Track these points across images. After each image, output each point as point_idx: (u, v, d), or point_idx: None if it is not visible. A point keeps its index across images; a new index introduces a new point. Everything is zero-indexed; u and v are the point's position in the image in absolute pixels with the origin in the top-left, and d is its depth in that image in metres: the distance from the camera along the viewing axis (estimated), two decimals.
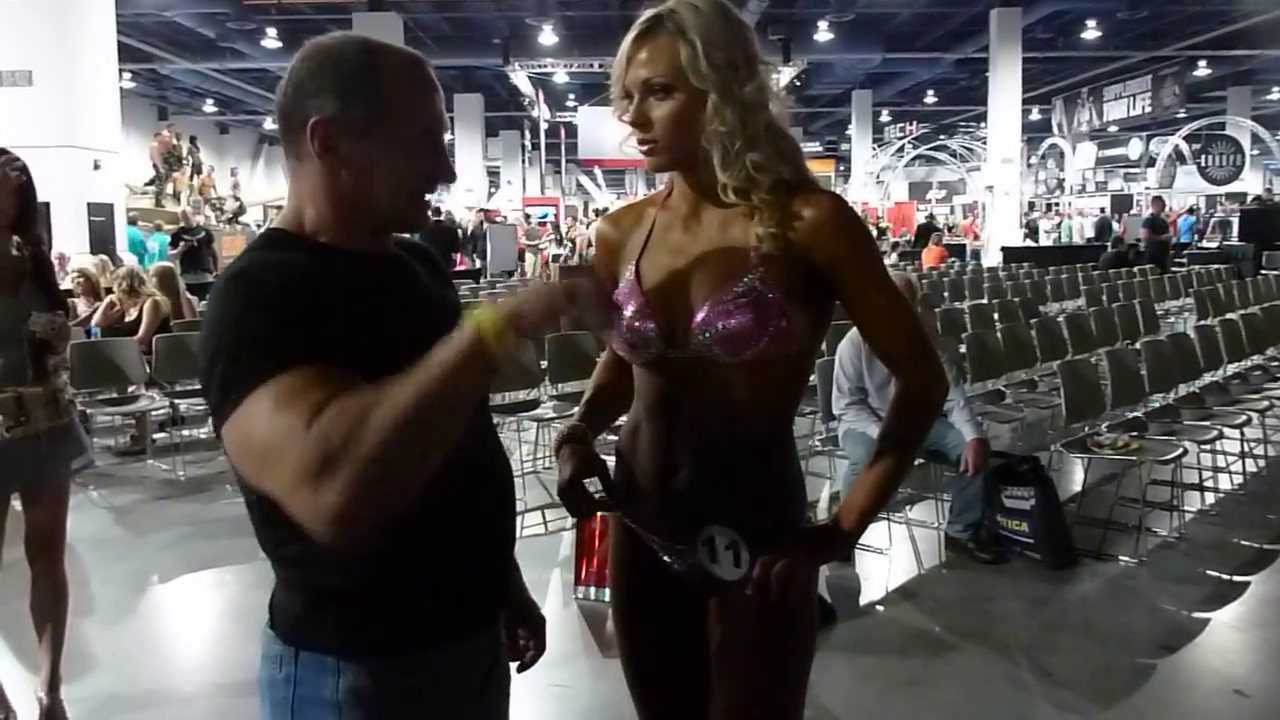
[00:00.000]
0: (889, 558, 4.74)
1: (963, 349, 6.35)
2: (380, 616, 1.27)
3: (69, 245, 11.27)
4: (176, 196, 18.23)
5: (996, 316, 8.58)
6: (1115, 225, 23.68)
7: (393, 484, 1.04)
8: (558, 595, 4.34)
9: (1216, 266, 16.10)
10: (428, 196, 1.36)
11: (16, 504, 3.05)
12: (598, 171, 37.92)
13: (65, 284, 8.24)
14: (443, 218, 18.21)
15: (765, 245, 1.50)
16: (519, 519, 5.26)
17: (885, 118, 36.71)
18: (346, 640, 1.26)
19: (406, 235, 1.49)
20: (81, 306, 7.51)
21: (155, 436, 7.16)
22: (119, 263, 9.69)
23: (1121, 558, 4.64)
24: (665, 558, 1.68)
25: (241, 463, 1.12)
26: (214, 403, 1.14)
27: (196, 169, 19.73)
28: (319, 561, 1.24)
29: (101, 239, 12.18)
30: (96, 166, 12.26)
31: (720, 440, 1.57)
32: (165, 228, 15.08)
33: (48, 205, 10.81)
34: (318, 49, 1.29)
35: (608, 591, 4.06)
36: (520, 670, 1.59)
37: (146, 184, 18.25)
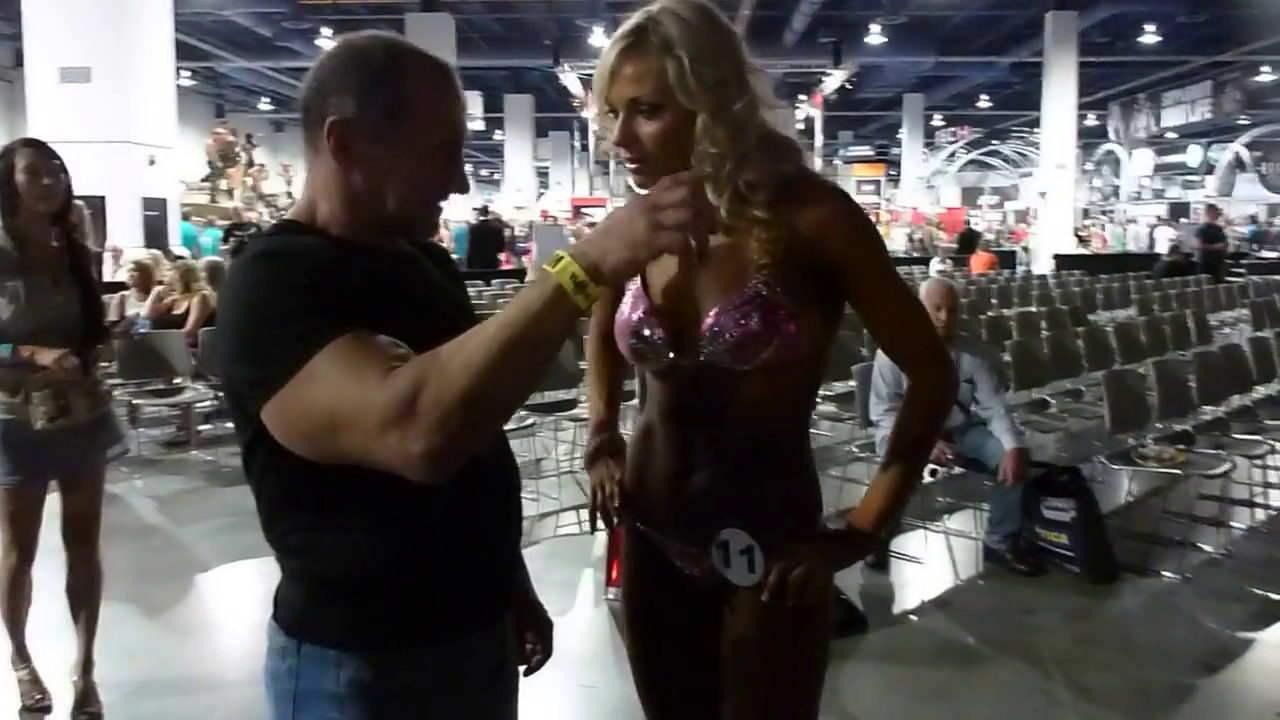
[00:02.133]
0: (925, 566, 4.68)
1: (1006, 357, 6.25)
2: (382, 610, 1.27)
3: (123, 239, 11.49)
4: (230, 193, 18.53)
5: (1043, 324, 8.45)
6: (1170, 233, 23.24)
7: (476, 425, 1.06)
8: (589, 595, 4.34)
9: (1276, 277, 15.73)
10: (439, 205, 1.35)
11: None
12: None
13: (120, 276, 8.43)
14: (489, 217, 18.30)
15: (764, 260, 1.48)
16: (554, 518, 5.32)
17: (937, 121, 36.36)
18: (348, 633, 1.26)
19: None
20: (132, 299, 7.64)
21: (200, 428, 7.28)
22: (171, 257, 9.88)
23: (1165, 573, 4.53)
24: (678, 562, 1.66)
25: (303, 439, 1.11)
26: (256, 376, 1.12)
27: (251, 165, 20.04)
28: (321, 553, 1.25)
29: (155, 233, 12.43)
30: (151, 162, 12.51)
31: (734, 444, 1.55)
32: (218, 223, 15.33)
33: (103, 199, 11.05)
34: (346, 47, 1.29)
35: None
36: (526, 674, 1.57)
37: (202, 180, 18.57)
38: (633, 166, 1.52)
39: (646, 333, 1.57)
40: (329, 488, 1.14)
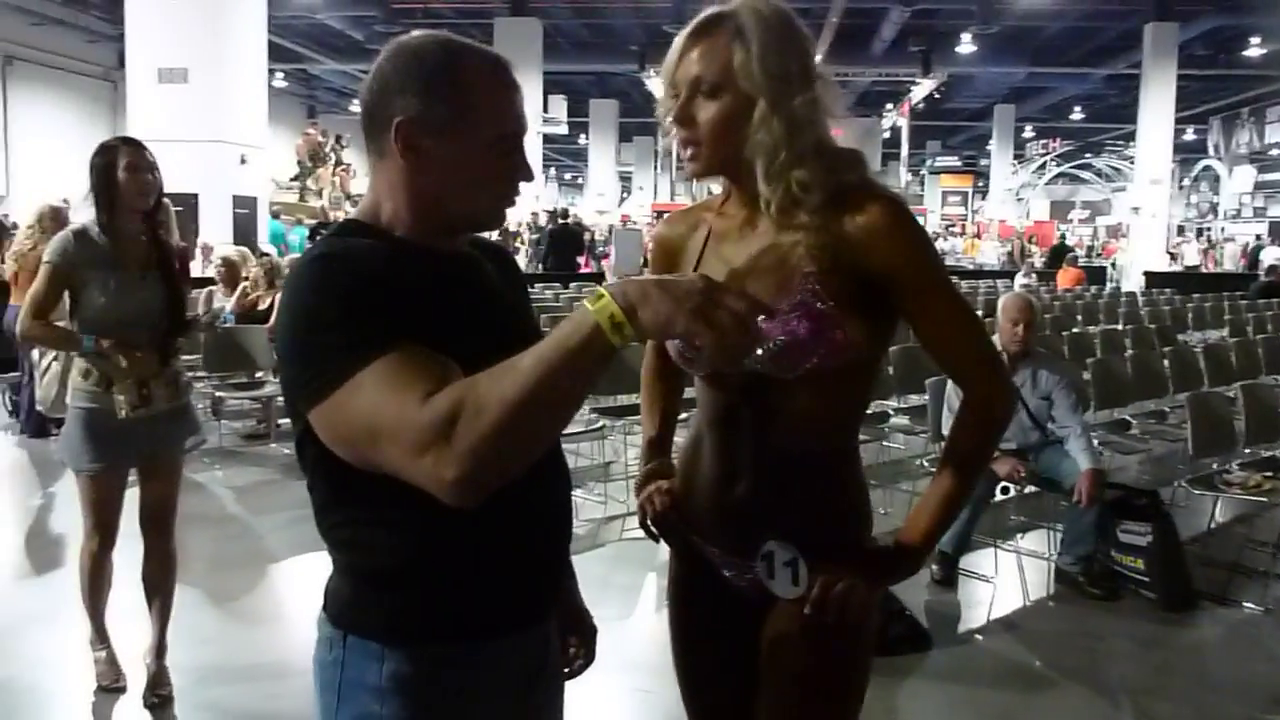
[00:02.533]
0: (994, 586, 4.58)
1: (1087, 375, 6.10)
2: (425, 605, 1.28)
3: (214, 236, 11.83)
4: (319, 192, 18.94)
5: (1129, 343, 8.23)
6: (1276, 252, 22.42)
7: (508, 457, 1.09)
8: (651, 600, 4.34)
9: None
10: (512, 199, 1.37)
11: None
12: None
13: (209, 272, 8.67)
14: (570, 221, 18.44)
15: (809, 266, 1.46)
16: (621, 522, 5.33)
17: (1028, 133, 35.66)
18: (391, 627, 1.28)
19: (483, 235, 1.51)
20: (220, 294, 7.86)
21: (280, 421, 7.44)
22: (258, 254, 10.13)
23: (1246, 604, 4.38)
24: (725, 572, 1.65)
25: (345, 445, 1.15)
26: (304, 379, 1.16)
27: (339, 165, 20.47)
28: (368, 547, 1.28)
29: (244, 230, 12.77)
30: (243, 161, 12.85)
31: (780, 453, 1.53)
32: (306, 222, 15.68)
33: (195, 197, 11.40)
34: (402, 48, 1.31)
35: None
36: (567, 678, 1.58)
37: (291, 179, 19.02)
38: (686, 150, 1.52)
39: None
40: (374, 483, 1.16)
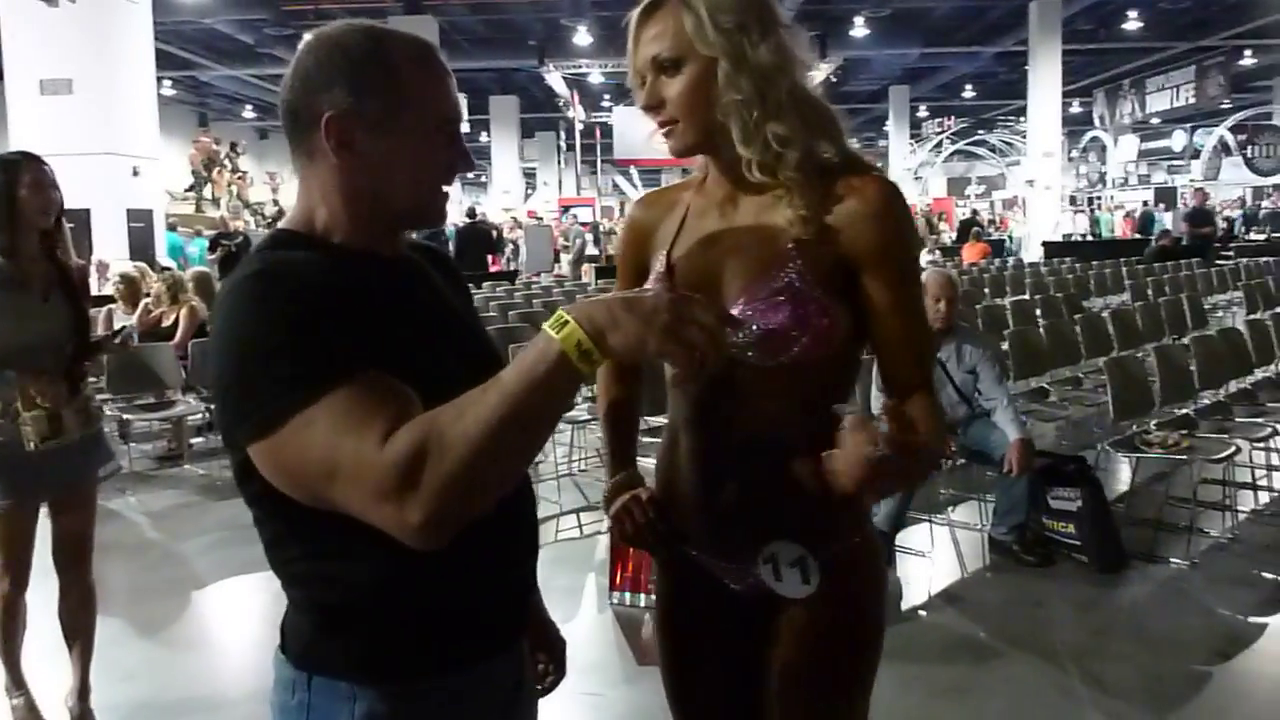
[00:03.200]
0: (931, 560, 4.64)
1: (1005, 346, 6.21)
2: (395, 639, 1.20)
3: (109, 251, 11.38)
4: (216, 202, 18.43)
5: (1039, 312, 8.42)
6: (1160, 218, 23.25)
7: (476, 497, 1.04)
8: (592, 601, 4.27)
9: (1266, 259, 15.74)
10: (446, 189, 1.29)
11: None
12: (634, 171, 37.89)
13: (107, 290, 8.34)
14: (477, 219, 18.22)
15: (795, 229, 1.39)
16: (555, 522, 5.26)
17: (923, 113, 36.32)
18: (360, 665, 1.19)
19: (418, 237, 1.43)
20: (120, 312, 7.56)
21: (193, 441, 7.20)
22: (158, 268, 9.78)
23: (1173, 560, 4.50)
24: (723, 578, 1.56)
25: (292, 482, 1.07)
26: (245, 412, 1.06)
27: (235, 173, 19.94)
28: (330, 580, 1.19)
29: (141, 245, 12.30)
30: (135, 173, 12.40)
31: (764, 448, 1.45)
32: (205, 233, 15.22)
33: (88, 211, 10.95)
34: (323, 40, 1.22)
35: (643, 597, 4.07)
36: (541, 695, 1.50)
37: (186, 190, 18.47)
38: (663, 131, 1.46)
39: None
40: (333, 514, 1.07)
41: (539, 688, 1.51)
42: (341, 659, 1.20)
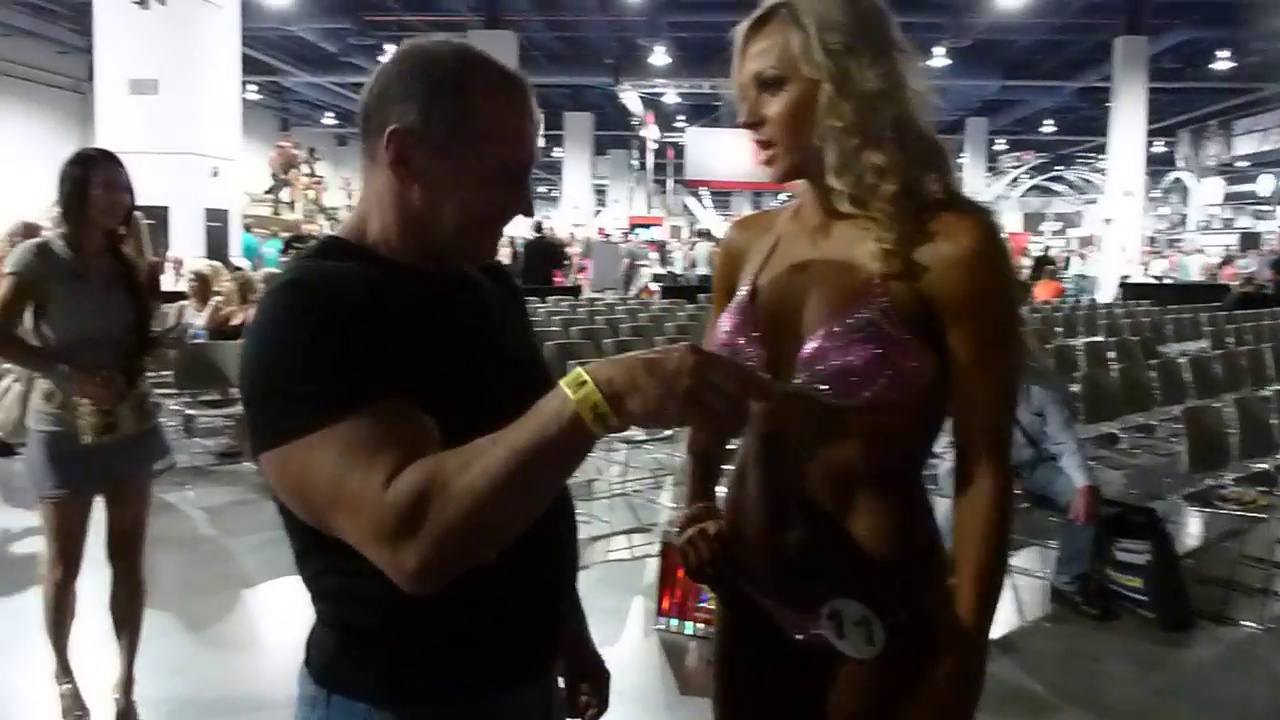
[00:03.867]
0: None
1: (1075, 388, 6.04)
2: (418, 662, 1.16)
3: (186, 249, 11.64)
4: (292, 205, 18.75)
5: (1112, 355, 8.19)
6: (1246, 264, 22.60)
7: (473, 549, 1.02)
8: (638, 625, 4.21)
9: None
10: (498, 231, 1.25)
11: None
12: (704, 192, 37.96)
13: (181, 286, 8.50)
14: (544, 234, 18.33)
15: (879, 264, 1.31)
16: (605, 542, 5.21)
17: (1000, 146, 35.88)
18: (381, 686, 1.16)
19: None
20: (191, 309, 7.69)
21: None
22: (231, 267, 9.95)
23: (1244, 622, 4.31)
24: (783, 624, 1.48)
25: (296, 500, 1.06)
26: (259, 425, 1.06)
27: (312, 178, 20.28)
28: (354, 598, 1.15)
29: (217, 244, 12.59)
30: (215, 173, 12.70)
31: (836, 494, 1.37)
32: (280, 235, 15.51)
33: (166, 210, 11.22)
34: (414, 51, 1.19)
35: (690, 624, 3.99)
36: None
37: (265, 192, 18.82)
38: (763, 156, 1.39)
39: (743, 349, 1.42)
40: None
41: (583, 718, 1.46)
42: (361, 679, 1.16)
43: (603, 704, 1.49)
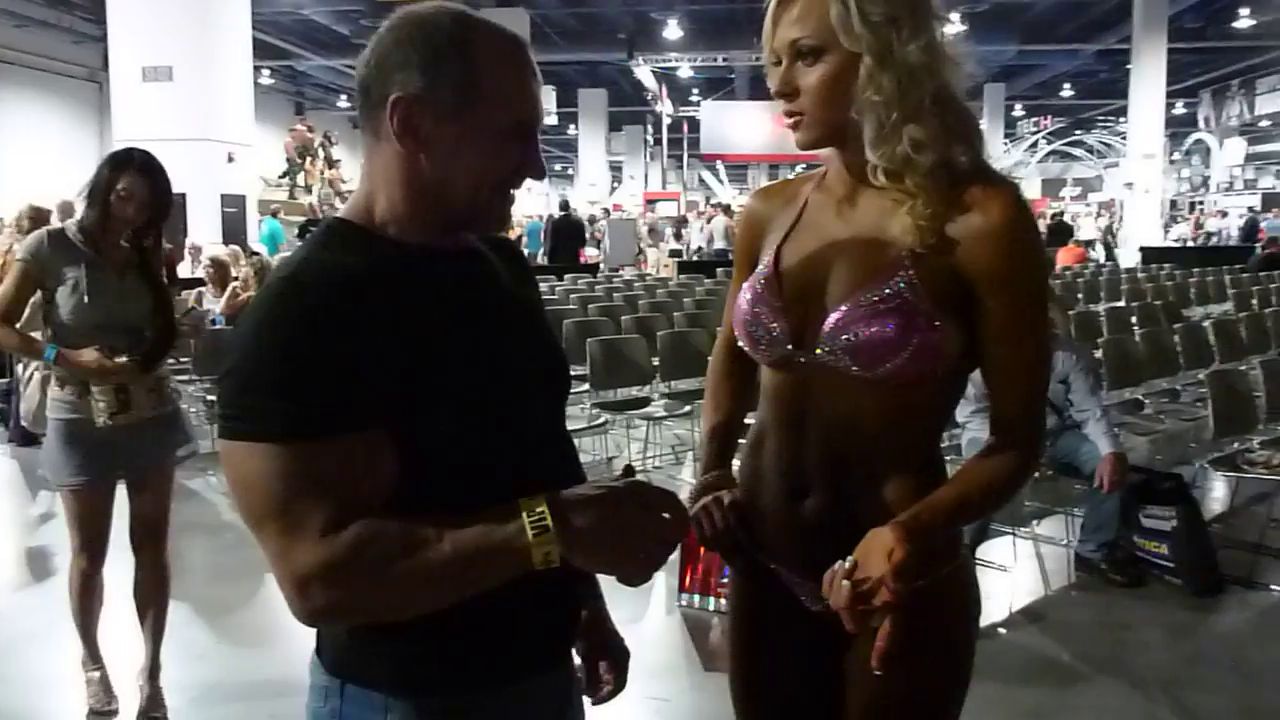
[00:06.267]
0: (1013, 576, 4.47)
1: (1099, 355, 5.97)
2: (434, 651, 1.14)
3: (203, 235, 11.68)
4: (308, 189, 18.75)
5: (1135, 320, 8.11)
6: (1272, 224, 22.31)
7: (377, 617, 1.10)
8: (661, 602, 4.20)
9: None
10: (512, 194, 1.22)
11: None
12: (720, 166, 37.77)
13: (199, 273, 8.52)
14: (570, 212, 18.31)
15: (911, 238, 1.29)
16: None
17: (1019, 112, 35.52)
18: (396, 676, 1.14)
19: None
20: (209, 295, 7.71)
21: None
22: (250, 252, 9.98)
23: (1273, 586, 4.26)
24: (798, 594, 1.47)
25: (236, 492, 1.08)
26: (222, 411, 1.07)
27: (329, 162, 20.25)
28: None
29: (233, 230, 12.63)
30: (230, 159, 12.72)
31: (852, 465, 1.37)
32: (292, 219, 15.55)
33: (183, 196, 11.24)
34: (408, 17, 1.16)
35: (713, 600, 3.98)
36: (595, 704, 1.43)
37: (280, 177, 18.83)
38: (790, 121, 1.36)
39: (765, 319, 1.40)
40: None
41: (598, 696, 1.45)
42: (376, 668, 1.15)
43: (620, 684, 1.47)
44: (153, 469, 3.07)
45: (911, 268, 1.29)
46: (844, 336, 1.31)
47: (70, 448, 2.92)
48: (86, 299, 2.86)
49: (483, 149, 1.15)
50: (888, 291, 1.29)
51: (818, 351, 1.34)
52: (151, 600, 3.16)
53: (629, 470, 1.21)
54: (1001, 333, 1.31)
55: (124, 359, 2.86)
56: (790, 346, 1.38)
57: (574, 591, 1.29)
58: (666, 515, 1.11)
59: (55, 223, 4.02)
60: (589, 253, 19.49)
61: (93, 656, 3.20)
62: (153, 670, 3.16)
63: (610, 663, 1.45)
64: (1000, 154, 32.36)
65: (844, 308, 1.32)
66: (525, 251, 14.93)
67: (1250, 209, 28.33)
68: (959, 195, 1.29)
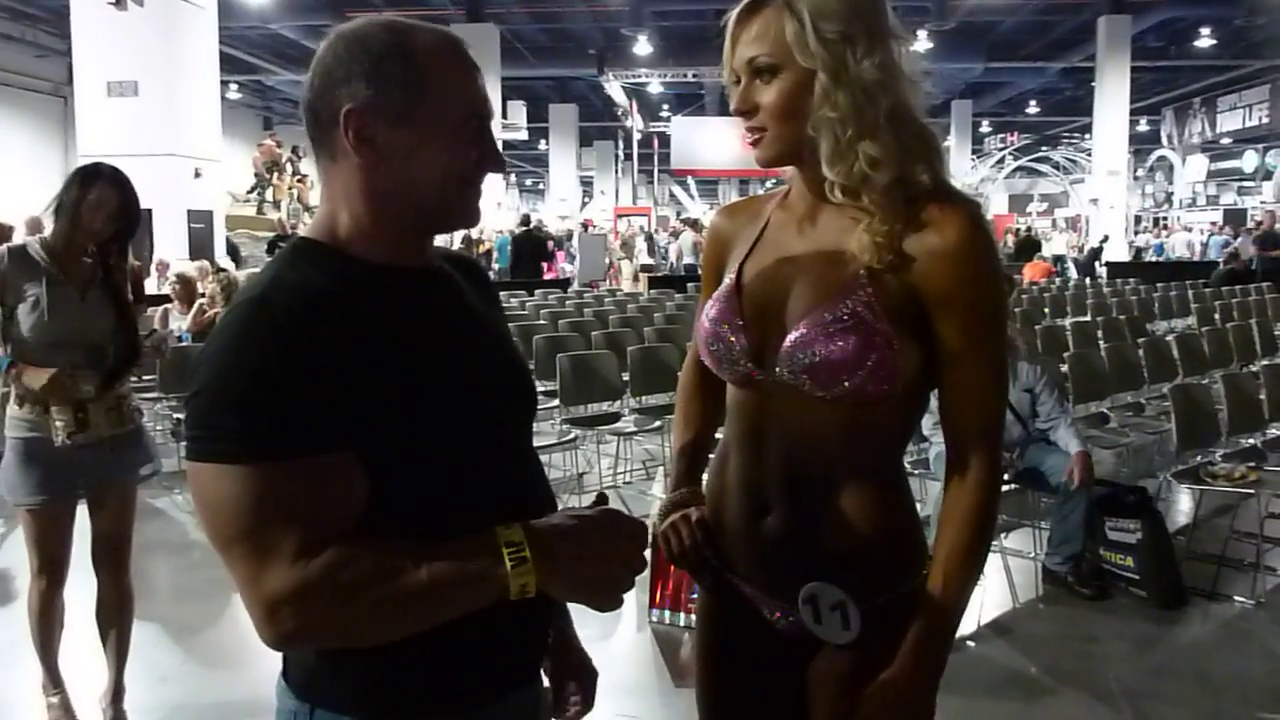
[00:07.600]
0: (981, 589, 4.48)
1: (1064, 369, 6.04)
2: (403, 671, 1.13)
3: (169, 251, 11.57)
4: (277, 205, 18.63)
5: (1100, 334, 8.20)
6: (1229, 240, 22.66)
7: (349, 642, 1.09)
8: (631, 619, 4.19)
9: None
10: (478, 188, 1.23)
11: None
12: (690, 181, 37.89)
13: (166, 289, 8.43)
14: (532, 227, 18.29)
15: (869, 255, 1.29)
16: None
17: (985, 128, 35.89)
18: (365, 699, 1.14)
19: (450, 247, 1.37)
20: (175, 311, 7.64)
21: None
22: (217, 268, 9.89)
23: (1237, 598, 4.31)
24: (764, 610, 1.47)
25: (203, 514, 1.07)
26: (189, 432, 1.06)
27: (297, 177, 20.15)
28: None
29: (200, 245, 12.51)
30: (197, 174, 12.61)
31: (813, 481, 1.37)
32: (260, 235, 15.44)
33: (149, 212, 11.13)
34: (344, 34, 1.17)
35: (683, 616, 3.98)
36: None
37: (248, 192, 18.71)
38: (751, 138, 1.38)
39: (729, 336, 1.40)
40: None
41: (565, 717, 1.44)
42: (345, 690, 1.14)
43: (588, 704, 1.46)
44: (113, 488, 3.02)
45: (869, 285, 1.30)
46: (801, 356, 1.31)
47: (28, 467, 2.87)
48: (46, 316, 2.82)
49: (440, 146, 1.15)
50: (844, 311, 1.30)
51: (777, 370, 1.35)
52: (114, 621, 3.11)
53: (602, 498, 1.21)
54: (957, 352, 1.32)
55: (68, 380, 2.82)
56: (750, 364, 1.39)
57: (542, 613, 1.28)
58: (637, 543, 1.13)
59: (20, 238, 3.97)
60: (559, 268, 19.49)
61: (54, 680, 3.15)
62: (116, 693, 3.11)
63: (578, 683, 1.45)
64: (968, 169, 32.71)
65: (802, 327, 1.32)
66: (496, 267, 14.89)
67: (1213, 224, 28.75)
68: (916, 213, 1.30)
